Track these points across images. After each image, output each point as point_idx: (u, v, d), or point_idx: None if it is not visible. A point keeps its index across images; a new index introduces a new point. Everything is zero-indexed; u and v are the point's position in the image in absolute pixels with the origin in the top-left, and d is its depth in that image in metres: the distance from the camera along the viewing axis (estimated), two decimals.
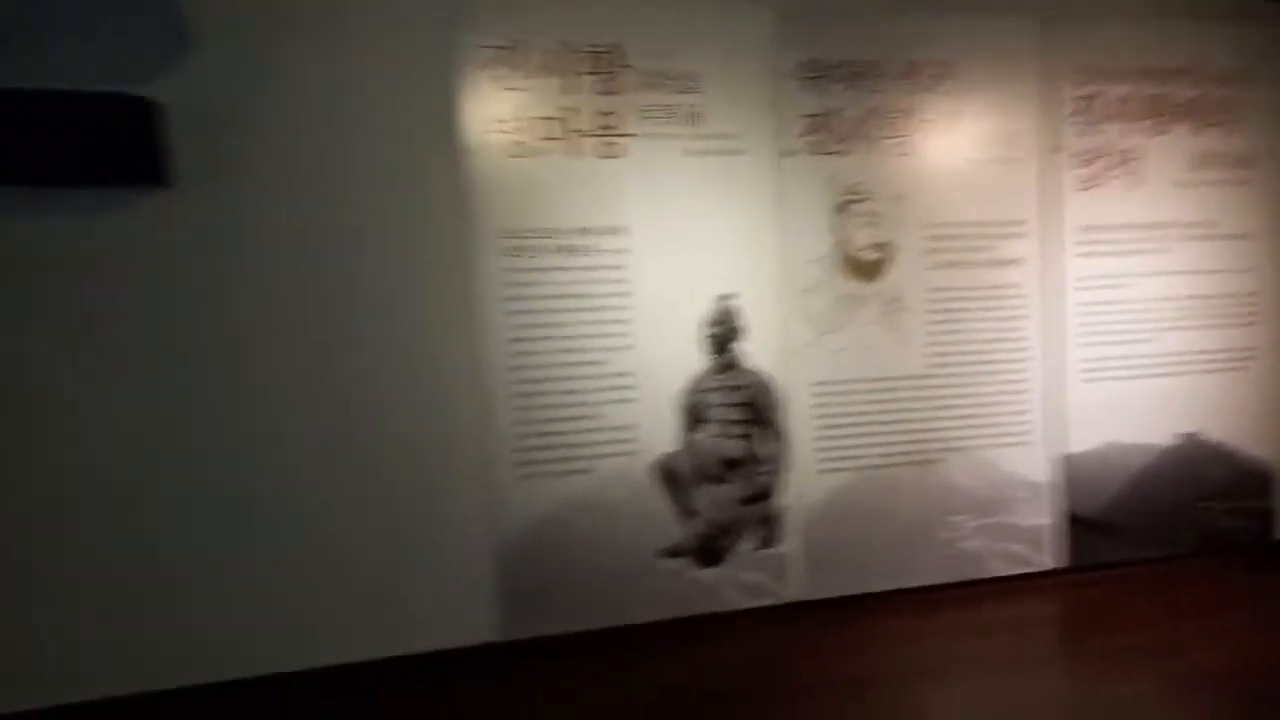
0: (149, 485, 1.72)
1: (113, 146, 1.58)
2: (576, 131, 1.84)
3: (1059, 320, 2.14)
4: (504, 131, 1.81)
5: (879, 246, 2.00)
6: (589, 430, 1.94)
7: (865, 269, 2.00)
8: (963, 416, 2.10)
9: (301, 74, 1.72)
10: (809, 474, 2.04)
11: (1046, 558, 2.18)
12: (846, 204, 1.98)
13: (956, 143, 2.03)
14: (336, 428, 1.80)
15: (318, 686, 1.81)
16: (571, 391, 1.92)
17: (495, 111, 1.81)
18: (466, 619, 1.90)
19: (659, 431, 1.97)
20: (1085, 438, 2.19)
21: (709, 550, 2.01)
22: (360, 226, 1.78)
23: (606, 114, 1.85)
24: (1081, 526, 2.20)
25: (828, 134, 1.96)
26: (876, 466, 2.06)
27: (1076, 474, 2.18)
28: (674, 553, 2.00)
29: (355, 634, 1.84)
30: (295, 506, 1.80)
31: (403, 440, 1.84)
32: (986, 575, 2.15)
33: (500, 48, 1.79)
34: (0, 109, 1.52)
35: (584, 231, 1.87)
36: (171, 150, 1.66)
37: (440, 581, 1.89)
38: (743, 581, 2.03)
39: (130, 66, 1.63)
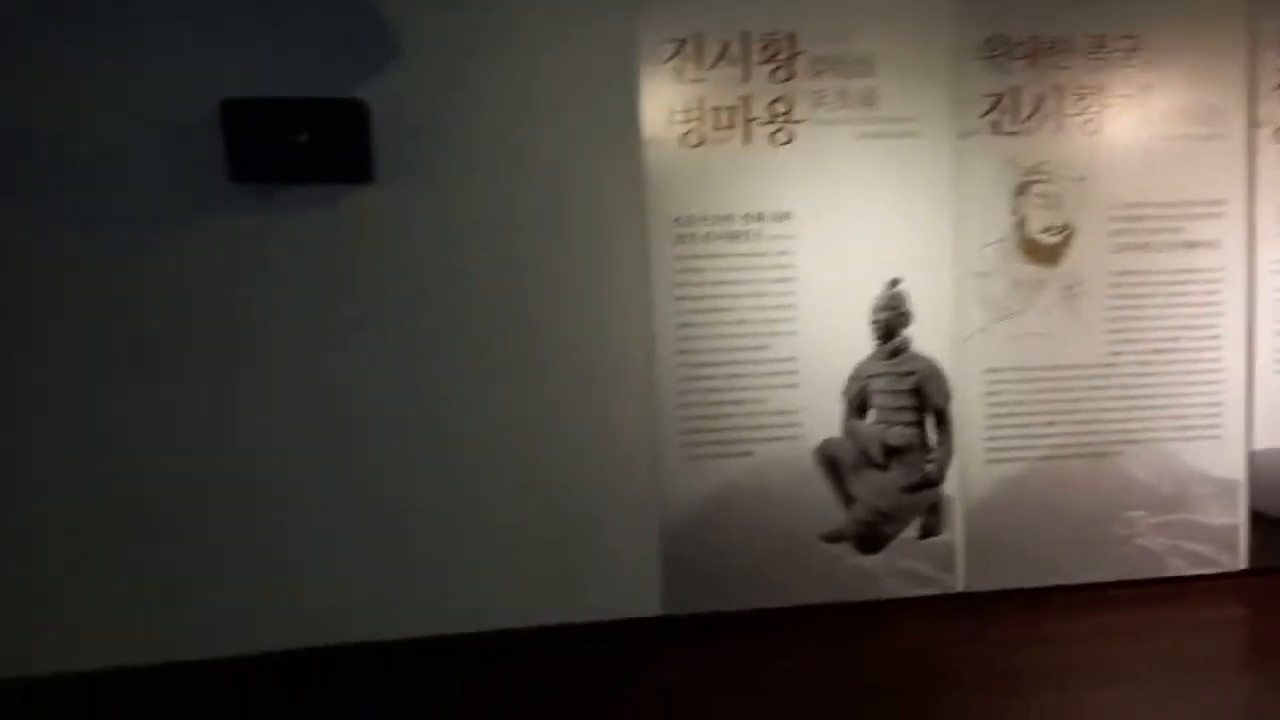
0: (336, 462, 1.89)
1: (331, 147, 1.74)
2: (750, 120, 1.89)
3: (1252, 306, 2.02)
4: (680, 122, 1.88)
5: (1060, 229, 1.95)
6: (752, 414, 1.99)
7: (1045, 252, 1.95)
8: (1145, 408, 2.02)
9: (493, 75, 1.85)
10: (977, 463, 2.02)
11: (1233, 558, 2.07)
12: (1027, 185, 1.94)
13: (1148, 119, 1.95)
14: (514, 410, 1.93)
15: (482, 650, 1.91)
16: (736, 376, 1.98)
17: (673, 103, 1.88)
18: (630, 592, 2.00)
19: (822, 417, 2.00)
20: (1274, 433, 2.05)
21: (870, 537, 2.03)
22: (544, 219, 1.90)
23: (779, 101, 1.89)
24: (1268, 526, 2.07)
25: (1009, 113, 1.93)
26: (1049, 457, 2.03)
27: (1263, 471, 2.06)
28: (834, 538, 2.02)
29: (519, 602, 1.96)
30: (470, 479, 1.92)
31: (577, 420, 1.95)
32: (1165, 574, 2.07)
33: (680, 40, 1.86)
34: (241, 115, 1.70)
35: (753, 218, 1.92)
36: (375, 149, 1.81)
37: (606, 555, 1.99)
38: (904, 570, 2.04)
39: (340, 73, 1.79)
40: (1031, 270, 1.99)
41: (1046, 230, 1.97)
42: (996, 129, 1.95)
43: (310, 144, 1.72)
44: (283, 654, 1.87)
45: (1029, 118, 1.94)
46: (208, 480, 1.86)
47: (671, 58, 1.87)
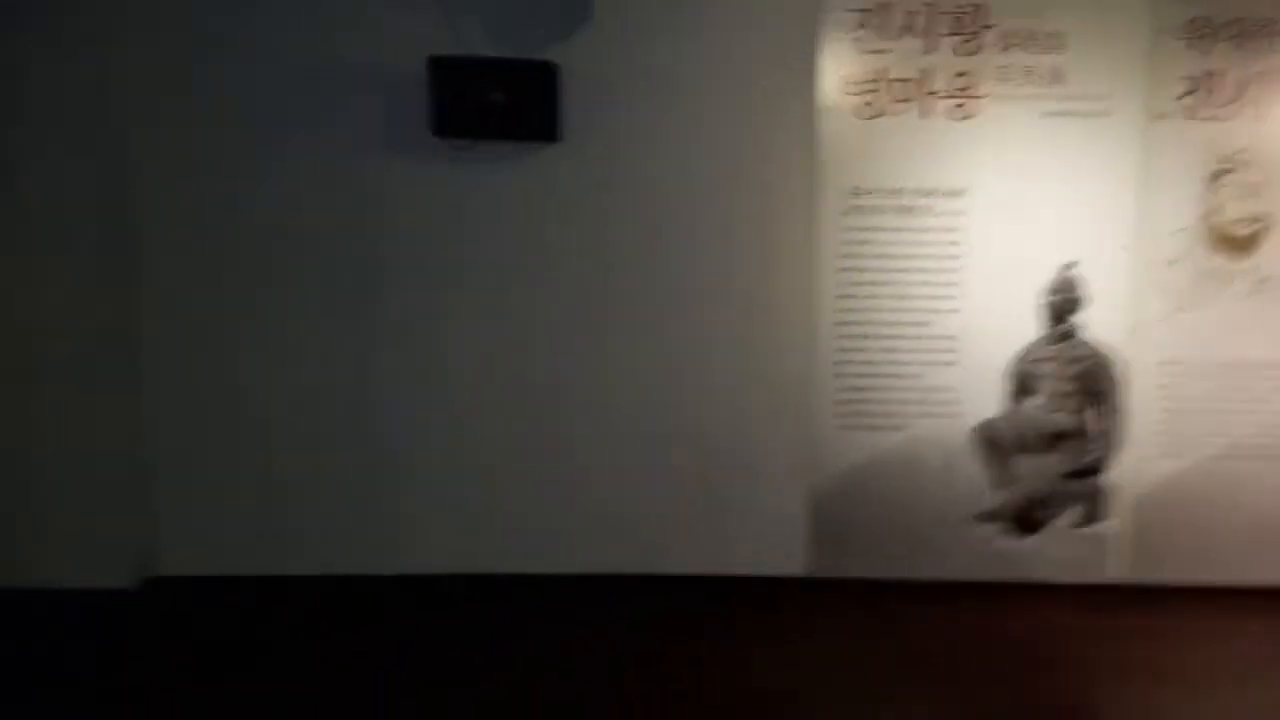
0: (514, 403, 2.08)
1: (523, 106, 1.90)
2: (930, 93, 1.95)
3: None
4: (859, 93, 1.98)
5: (1254, 220, 1.95)
6: (908, 389, 2.08)
7: (1236, 244, 1.95)
8: None
9: (679, 43, 2.00)
10: (1145, 455, 2.06)
11: None
12: (1221, 173, 1.94)
13: None
14: (677, 363, 2.09)
15: (639, 590, 2.09)
16: (894, 350, 2.07)
17: (853, 73, 1.98)
18: (779, 552, 2.14)
19: (978, 396, 2.07)
20: None
21: (1025, 520, 2.07)
22: (717, 183, 2.05)
23: (962, 75, 1.95)
24: None
25: (1207, 97, 1.93)
26: (1223, 456, 2.04)
27: None
28: (989, 518, 2.06)
29: (676, 549, 2.13)
30: (632, 426, 2.10)
31: (736, 382, 2.11)
32: None
33: (865, 10, 1.95)
34: (447, 72, 1.85)
35: (927, 193, 1.99)
36: (562, 110, 1.93)
37: (756, 516, 2.15)
38: (1058, 556, 2.09)
39: (537, 34, 1.93)
40: (1220, 262, 1.99)
41: (1240, 221, 1.97)
42: (1192, 113, 1.95)
43: (504, 103, 1.87)
44: (451, 576, 2.10)
45: (1229, 103, 1.94)
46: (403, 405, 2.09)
47: (855, 27, 1.95)
